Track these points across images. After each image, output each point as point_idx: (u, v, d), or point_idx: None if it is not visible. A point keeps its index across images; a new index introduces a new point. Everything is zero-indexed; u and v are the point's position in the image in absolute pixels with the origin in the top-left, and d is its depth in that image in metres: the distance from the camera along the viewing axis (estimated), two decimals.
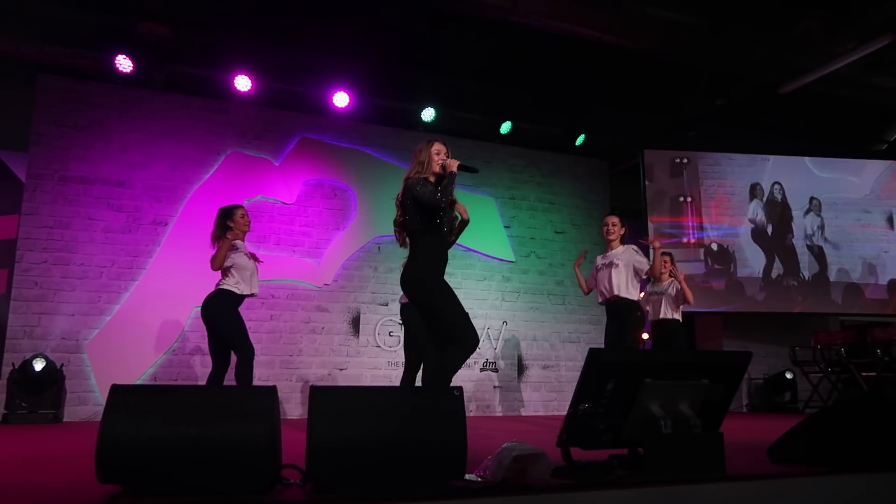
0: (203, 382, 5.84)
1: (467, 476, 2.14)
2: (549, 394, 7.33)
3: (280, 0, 6.10)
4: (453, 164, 3.42)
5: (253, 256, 4.59)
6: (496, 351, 7.20)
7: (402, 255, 6.44)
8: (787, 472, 2.39)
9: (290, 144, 6.78)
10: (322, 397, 2.03)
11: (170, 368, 5.94)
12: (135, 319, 5.88)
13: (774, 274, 8.27)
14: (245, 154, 6.59)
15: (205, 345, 5.97)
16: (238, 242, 4.50)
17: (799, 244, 8.48)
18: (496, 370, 7.16)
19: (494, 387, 7.12)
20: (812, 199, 8.63)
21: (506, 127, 7.44)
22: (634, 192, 8.12)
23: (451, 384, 3.10)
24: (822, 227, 8.63)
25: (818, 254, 8.51)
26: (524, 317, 7.42)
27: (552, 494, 2.00)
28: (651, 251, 5.30)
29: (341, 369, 6.52)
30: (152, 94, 6.35)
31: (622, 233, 5.05)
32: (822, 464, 2.48)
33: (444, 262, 3.40)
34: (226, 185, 6.36)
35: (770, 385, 8.04)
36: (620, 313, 4.88)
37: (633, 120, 8.05)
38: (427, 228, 3.33)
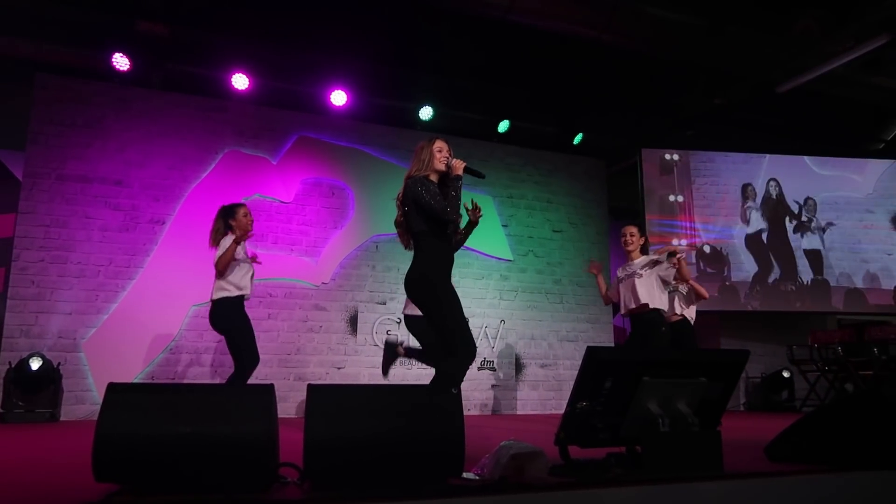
0: (200, 381, 5.85)
1: (465, 474, 2.13)
2: (547, 392, 7.34)
3: None
4: (459, 167, 3.35)
5: (253, 258, 4.57)
6: (494, 350, 7.20)
7: (399, 253, 6.48)
8: (785, 470, 2.39)
9: (287, 143, 6.78)
10: (319, 396, 2.03)
11: (167, 367, 5.93)
12: (132, 318, 5.87)
13: (771, 278, 8.10)
14: (243, 153, 6.58)
15: (202, 343, 5.99)
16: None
17: (796, 246, 8.27)
18: (494, 369, 7.16)
19: (492, 385, 7.12)
20: (808, 199, 8.45)
21: (503, 126, 7.44)
22: (632, 191, 8.13)
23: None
24: (819, 228, 8.43)
25: (816, 256, 8.31)
26: (522, 315, 7.43)
27: (550, 493, 1.99)
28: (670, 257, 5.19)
29: (339, 368, 6.52)
30: (150, 93, 6.34)
31: (641, 243, 4.95)
32: (820, 462, 2.48)
33: (450, 263, 3.35)
34: (223, 184, 6.36)
35: (767, 384, 8.05)
36: (644, 327, 4.75)
37: (631, 119, 8.06)
38: (431, 230, 3.29)
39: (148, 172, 6.19)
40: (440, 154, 3.39)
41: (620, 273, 5.04)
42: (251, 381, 4.38)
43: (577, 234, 7.91)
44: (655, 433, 2.31)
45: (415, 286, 3.26)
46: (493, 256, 7.40)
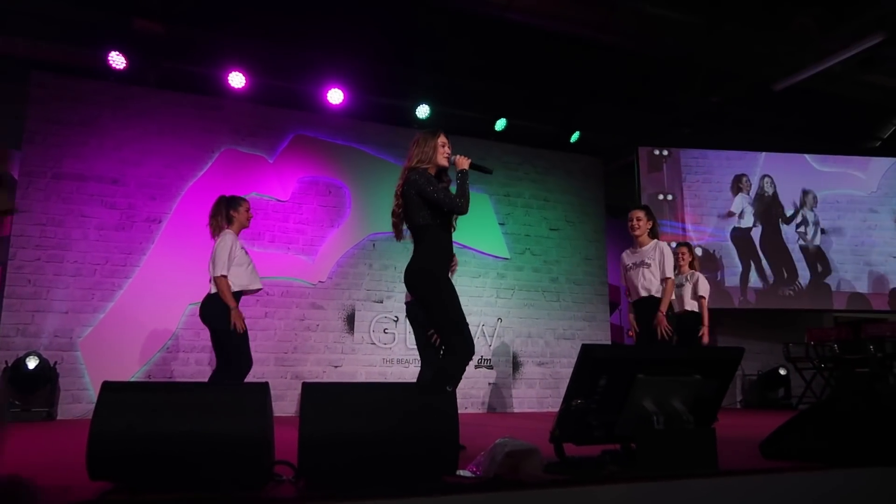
0: (197, 380, 5.84)
1: (460, 472, 2.14)
2: (543, 390, 7.35)
3: None
4: (465, 162, 3.32)
5: None
6: (491, 348, 7.20)
7: (397, 252, 6.47)
8: (779, 467, 2.40)
9: (284, 141, 6.77)
10: (314, 394, 2.03)
11: (164, 366, 5.93)
12: (129, 317, 5.86)
13: (767, 283, 7.84)
14: (239, 151, 6.58)
15: (199, 342, 5.98)
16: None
17: (793, 247, 7.90)
18: (491, 367, 7.17)
19: (489, 384, 7.13)
20: (805, 192, 8.12)
21: (500, 124, 7.44)
22: (629, 189, 8.13)
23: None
24: (817, 224, 8.08)
25: (815, 256, 7.96)
26: (519, 314, 7.43)
27: (544, 490, 2.00)
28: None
29: (336, 366, 6.52)
30: (146, 91, 6.33)
31: (649, 227, 4.81)
32: (814, 459, 2.49)
33: (450, 255, 3.35)
34: (220, 183, 6.35)
35: (764, 381, 8.07)
36: (650, 315, 4.69)
37: (628, 117, 8.05)
38: (435, 223, 3.27)
39: (144, 171, 6.18)
40: (444, 149, 3.36)
41: (627, 260, 4.91)
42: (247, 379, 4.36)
43: (575, 232, 7.92)
44: (650, 430, 2.31)
45: (416, 278, 3.23)
46: (490, 254, 7.41)
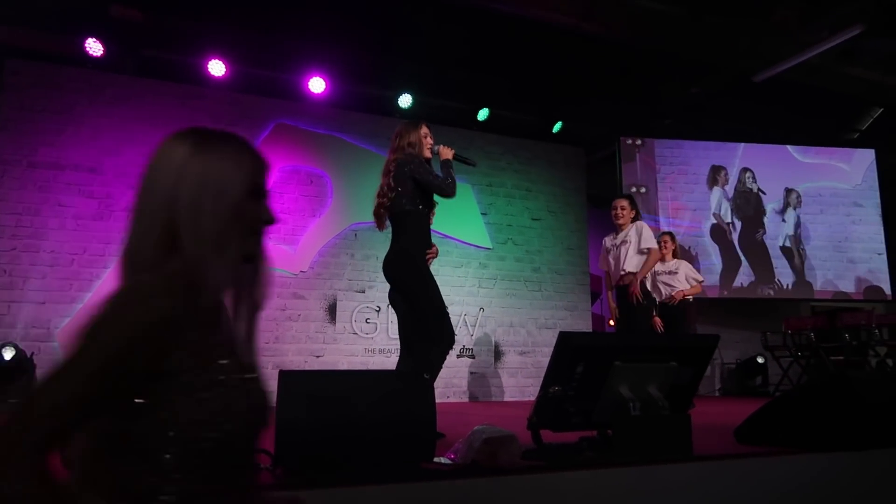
0: None
1: (438, 459, 2.15)
2: (525, 379, 7.39)
3: None
4: (448, 152, 3.38)
5: None
6: (473, 337, 7.22)
7: (378, 242, 6.45)
8: (752, 452, 2.44)
9: (265, 130, 6.72)
10: (291, 382, 2.03)
11: None
12: None
13: (746, 282, 7.70)
14: None
15: None
16: None
17: (772, 244, 7.66)
18: (473, 356, 7.19)
19: (471, 373, 7.15)
20: (789, 190, 7.93)
21: (483, 114, 7.43)
22: (611, 179, 8.17)
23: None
24: (800, 225, 7.83)
25: (798, 257, 7.77)
26: (501, 303, 7.46)
27: (521, 476, 2.02)
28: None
29: (318, 356, 6.51)
30: (124, 79, 6.24)
31: (632, 216, 4.96)
32: (785, 444, 2.54)
33: (429, 243, 3.39)
34: None
35: (742, 369, 8.18)
36: (628, 298, 4.79)
37: (610, 108, 8.08)
38: (420, 210, 3.30)
39: (122, 160, 6.10)
40: (426, 139, 3.41)
41: (609, 243, 5.03)
42: None
43: (556, 222, 7.95)
44: (626, 417, 2.34)
45: (396, 263, 3.27)
46: (472, 244, 7.42)
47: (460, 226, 7.28)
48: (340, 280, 6.74)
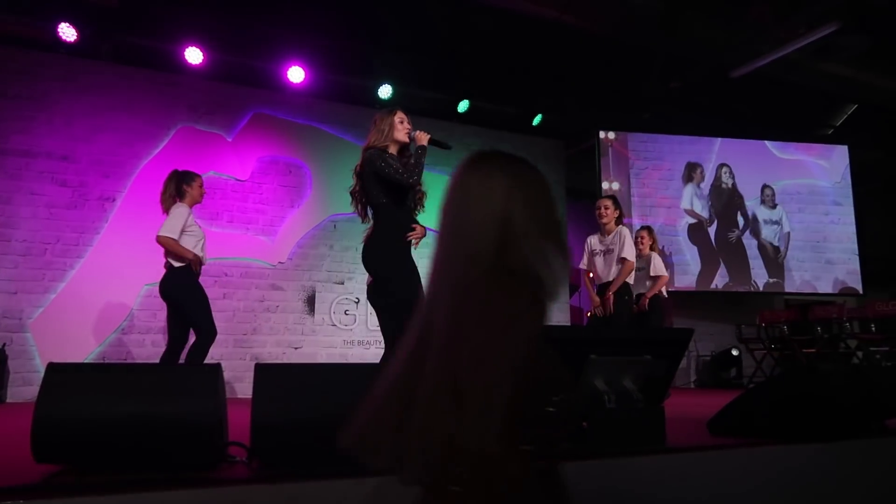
0: (155, 361, 5.75)
1: None
2: None
3: None
4: (424, 138, 3.36)
5: None
6: None
7: (358, 233, 6.40)
8: (724, 443, 2.48)
9: (243, 120, 6.65)
10: (267, 375, 2.02)
11: (119, 347, 5.81)
12: (81, 298, 5.72)
13: (721, 283, 7.63)
14: (197, 129, 6.43)
15: (155, 323, 5.87)
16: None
17: (749, 244, 7.53)
18: None
19: None
20: (765, 187, 7.84)
21: (463, 106, 7.42)
22: (589, 172, 8.20)
23: None
24: (778, 222, 7.71)
25: (774, 255, 7.65)
26: None
27: None
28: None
29: (296, 348, 6.49)
30: (98, 65, 6.13)
31: (616, 215, 5.05)
32: (757, 436, 2.58)
33: (405, 233, 3.36)
34: (177, 161, 6.18)
35: (717, 361, 8.29)
36: (604, 306, 4.88)
37: (590, 101, 8.11)
38: (392, 200, 3.29)
39: (96, 148, 6.01)
40: (402, 125, 3.39)
41: (594, 246, 5.10)
42: (203, 361, 4.32)
43: None
44: (601, 409, 2.36)
45: (367, 256, 3.27)
46: None
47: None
48: (319, 272, 6.71)
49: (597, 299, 5.03)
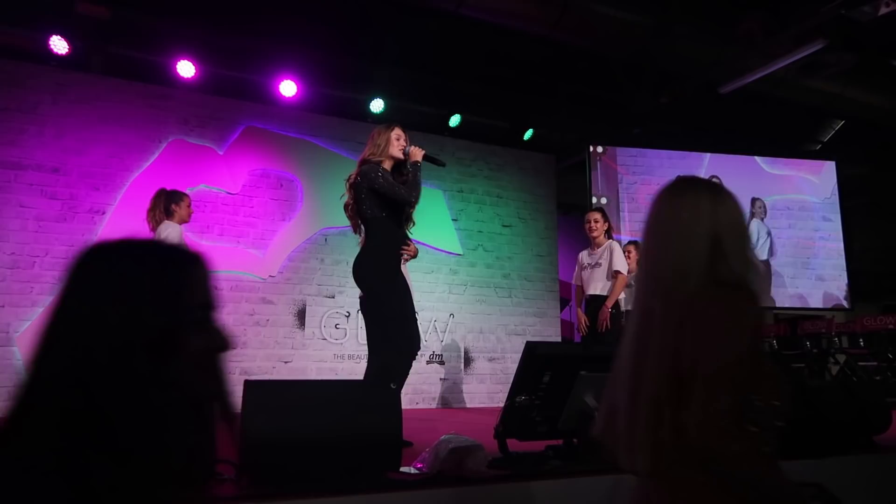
0: None
1: (404, 468, 2.15)
2: (494, 386, 7.41)
3: None
4: (418, 153, 3.38)
5: None
6: (443, 343, 7.23)
7: (349, 247, 6.42)
8: None
9: (234, 133, 6.64)
10: (256, 392, 2.01)
11: None
12: None
13: None
14: (188, 142, 6.42)
15: None
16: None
17: None
18: (442, 362, 7.19)
19: (440, 379, 7.15)
20: (755, 200, 7.87)
21: (455, 120, 7.45)
22: (580, 186, 8.24)
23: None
24: (769, 236, 7.69)
25: (765, 271, 7.55)
26: (471, 309, 7.47)
27: (487, 486, 2.03)
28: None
29: (286, 362, 6.45)
30: (89, 78, 6.12)
31: (605, 228, 5.06)
32: None
33: (398, 248, 3.37)
34: (168, 174, 6.19)
35: None
36: (598, 310, 4.89)
37: (581, 115, 8.17)
38: (386, 215, 3.29)
39: (87, 160, 5.98)
40: (398, 141, 3.41)
41: (584, 261, 5.11)
42: None
43: (527, 228, 7.99)
44: (592, 426, 2.36)
45: (358, 270, 3.27)
46: (442, 250, 7.42)
47: (431, 231, 7.28)
48: (310, 285, 6.69)
49: (585, 322, 5.02)
